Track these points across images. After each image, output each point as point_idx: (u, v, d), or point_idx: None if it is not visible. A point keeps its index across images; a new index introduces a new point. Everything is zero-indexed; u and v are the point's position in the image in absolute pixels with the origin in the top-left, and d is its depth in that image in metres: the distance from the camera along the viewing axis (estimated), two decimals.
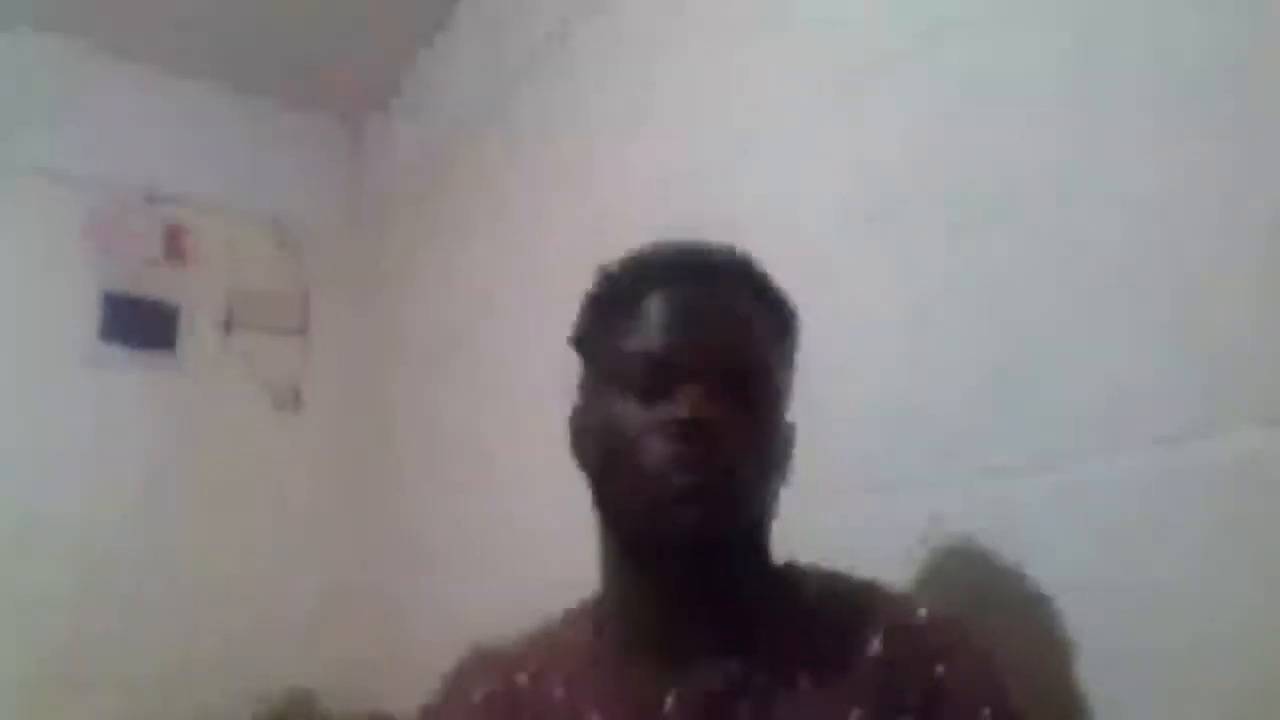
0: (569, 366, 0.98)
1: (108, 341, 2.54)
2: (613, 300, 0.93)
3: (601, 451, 0.88)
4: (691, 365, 0.86)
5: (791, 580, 0.93)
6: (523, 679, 0.92)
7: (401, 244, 2.69)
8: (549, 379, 1.02)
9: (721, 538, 0.83)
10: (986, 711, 0.81)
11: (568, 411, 0.97)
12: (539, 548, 1.76)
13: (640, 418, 0.85)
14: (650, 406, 0.85)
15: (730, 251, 0.94)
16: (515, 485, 1.96)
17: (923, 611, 0.89)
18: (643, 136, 1.68)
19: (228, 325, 2.69)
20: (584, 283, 0.97)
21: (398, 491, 2.56)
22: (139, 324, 2.58)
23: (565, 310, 0.98)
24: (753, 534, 0.91)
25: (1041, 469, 1.02)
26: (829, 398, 1.12)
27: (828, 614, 0.89)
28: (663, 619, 0.88)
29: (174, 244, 2.66)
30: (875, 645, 0.85)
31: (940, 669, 0.83)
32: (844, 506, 1.20)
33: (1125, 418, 0.95)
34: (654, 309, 0.89)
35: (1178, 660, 0.88)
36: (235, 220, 2.75)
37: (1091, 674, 0.92)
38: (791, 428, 0.96)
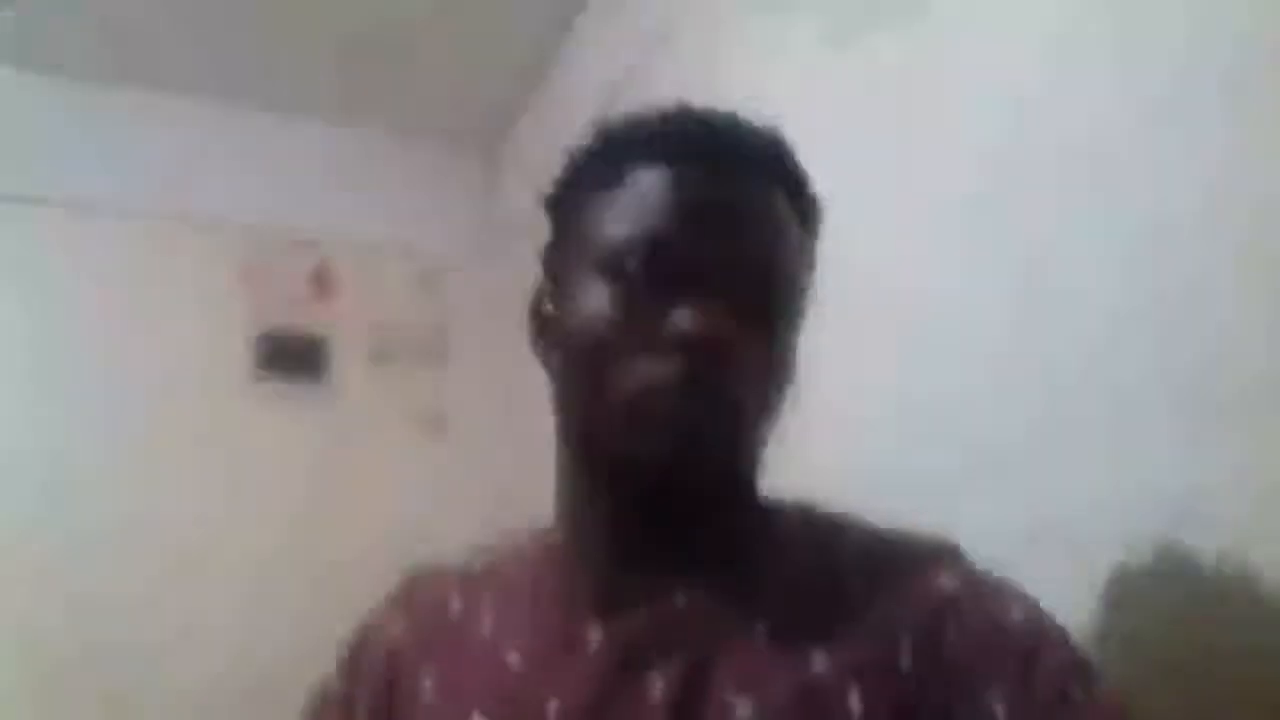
0: None
1: (262, 376, 2.67)
2: (609, 162, 0.76)
3: (576, 356, 0.73)
4: (704, 266, 0.70)
5: (770, 517, 0.78)
6: (456, 606, 0.81)
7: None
8: None
9: (713, 474, 0.71)
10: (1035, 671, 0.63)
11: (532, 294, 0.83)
12: None
13: (631, 322, 0.70)
14: (643, 309, 0.70)
15: (763, 133, 0.77)
16: None
17: (919, 543, 0.74)
18: None
19: (373, 356, 2.78)
20: None
21: (542, 515, 2.57)
22: (290, 358, 2.71)
23: None
24: (745, 465, 0.76)
25: None
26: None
27: (801, 551, 0.74)
28: (612, 554, 0.75)
29: (320, 281, 2.78)
30: (846, 578, 0.71)
31: (941, 617, 0.67)
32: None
33: None
34: (663, 186, 0.72)
35: None
36: (376, 255, 2.85)
37: None
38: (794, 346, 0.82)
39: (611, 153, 0.76)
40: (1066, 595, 0.79)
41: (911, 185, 1.27)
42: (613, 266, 0.71)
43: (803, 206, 0.78)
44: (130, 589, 2.39)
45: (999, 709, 0.61)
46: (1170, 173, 0.90)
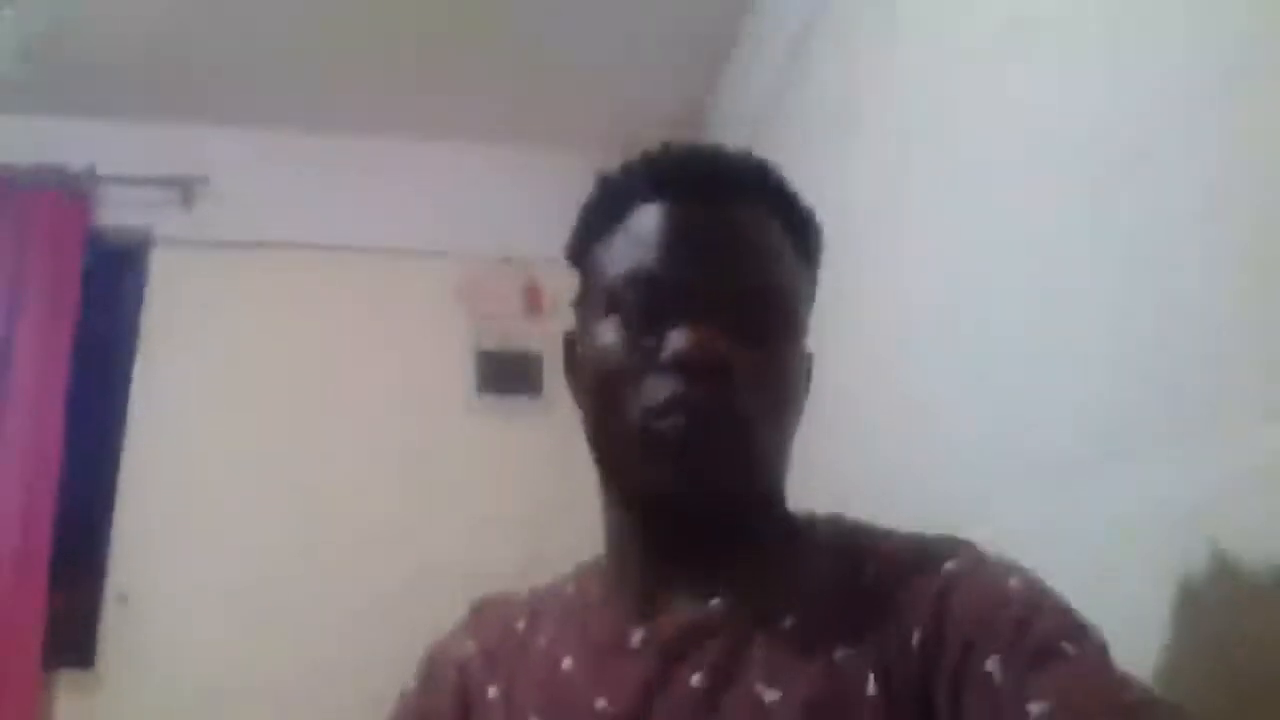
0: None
1: (483, 392, 2.83)
2: (608, 210, 0.81)
3: (592, 388, 0.78)
4: (696, 291, 0.74)
5: (800, 529, 0.83)
6: (520, 625, 0.87)
7: None
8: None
9: (730, 496, 0.75)
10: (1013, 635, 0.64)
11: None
12: None
13: (633, 351, 0.75)
14: (643, 338, 0.75)
15: (746, 158, 0.81)
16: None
17: (936, 540, 0.77)
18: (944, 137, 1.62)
19: None
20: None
21: None
22: (508, 374, 2.85)
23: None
24: (767, 475, 0.80)
25: None
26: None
27: (827, 557, 0.78)
28: (649, 565, 0.80)
29: (532, 299, 2.91)
30: (868, 578, 0.75)
31: (946, 594, 0.70)
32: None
33: None
34: (652, 222, 0.77)
35: None
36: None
37: None
38: (809, 358, 0.84)
39: (612, 197, 0.81)
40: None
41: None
42: (615, 302, 0.77)
43: (797, 229, 0.82)
44: (376, 597, 2.59)
45: (994, 670, 0.63)
46: None
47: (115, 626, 2.64)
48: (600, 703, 0.75)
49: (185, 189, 2.88)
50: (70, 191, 2.81)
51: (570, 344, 0.86)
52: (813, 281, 0.85)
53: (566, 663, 0.80)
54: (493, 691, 0.83)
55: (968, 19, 1.43)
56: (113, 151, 2.85)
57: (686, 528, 0.77)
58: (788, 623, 0.74)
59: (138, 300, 2.89)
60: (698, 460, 0.72)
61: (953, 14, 1.49)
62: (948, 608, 0.69)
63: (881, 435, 1.64)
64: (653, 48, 2.61)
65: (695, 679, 0.73)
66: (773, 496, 0.82)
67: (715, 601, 0.77)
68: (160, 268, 2.90)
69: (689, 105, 2.79)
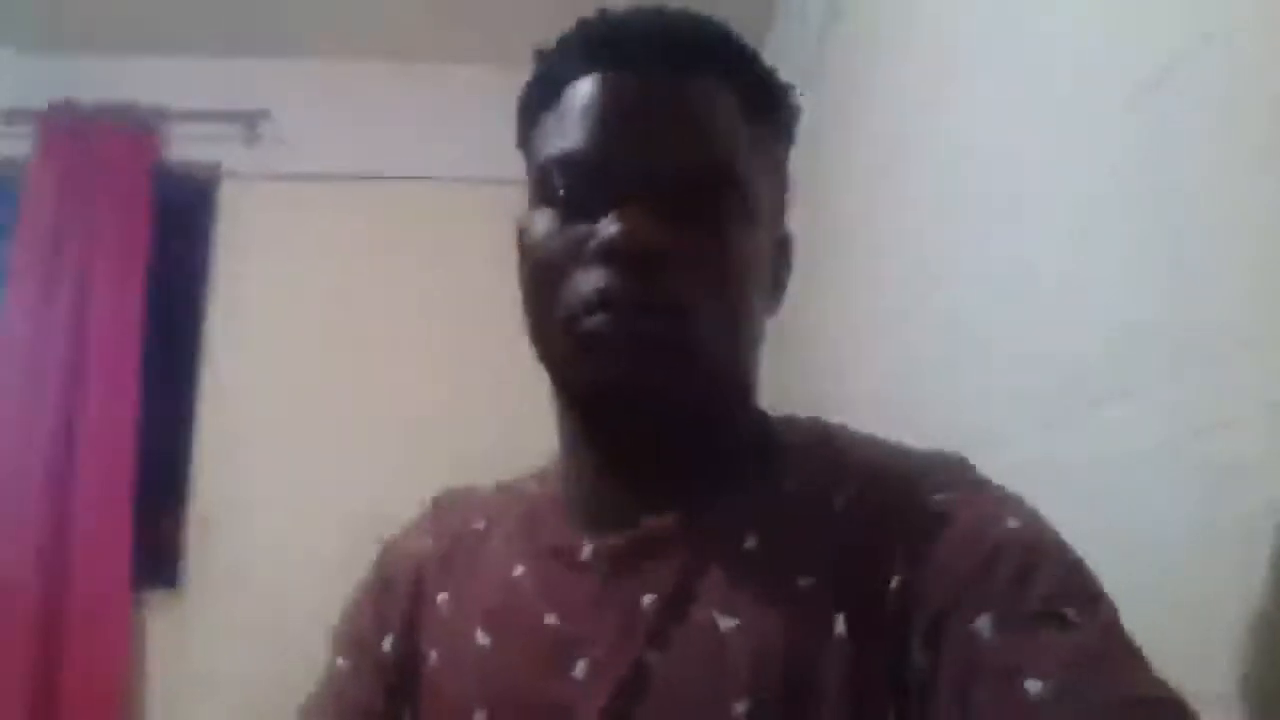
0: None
1: None
2: (545, 88, 0.72)
3: (523, 283, 0.71)
4: (629, 172, 0.66)
5: (772, 435, 0.75)
6: (479, 524, 0.82)
7: None
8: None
9: (672, 394, 0.66)
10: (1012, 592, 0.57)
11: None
12: None
13: (562, 243, 0.67)
14: (574, 227, 0.67)
15: (696, 22, 0.71)
16: None
17: (926, 459, 0.69)
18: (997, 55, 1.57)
19: None
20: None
21: None
22: None
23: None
24: (720, 376, 0.70)
25: None
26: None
27: (800, 469, 0.71)
28: (600, 471, 0.74)
29: None
30: (845, 498, 0.67)
31: (932, 533, 0.62)
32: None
33: None
34: (582, 99, 0.69)
35: None
36: None
37: None
38: (784, 242, 0.76)
39: (548, 73, 0.73)
40: None
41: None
42: (546, 189, 0.70)
43: (757, 101, 0.72)
44: None
45: (983, 629, 0.56)
46: None
47: (198, 548, 2.75)
48: (549, 617, 0.71)
49: (249, 123, 2.93)
50: (138, 127, 2.87)
51: (518, 227, 0.77)
52: (781, 159, 0.76)
53: (518, 570, 0.75)
54: (442, 597, 0.78)
55: None
56: (178, 88, 2.91)
57: (633, 431, 0.70)
58: (749, 543, 0.68)
59: (207, 233, 2.95)
60: (629, 358, 0.64)
61: None
62: (933, 549, 0.61)
63: (919, 353, 1.62)
64: None
65: (646, 600, 0.67)
66: (732, 395, 0.74)
67: (670, 514, 0.70)
68: (228, 201, 2.96)
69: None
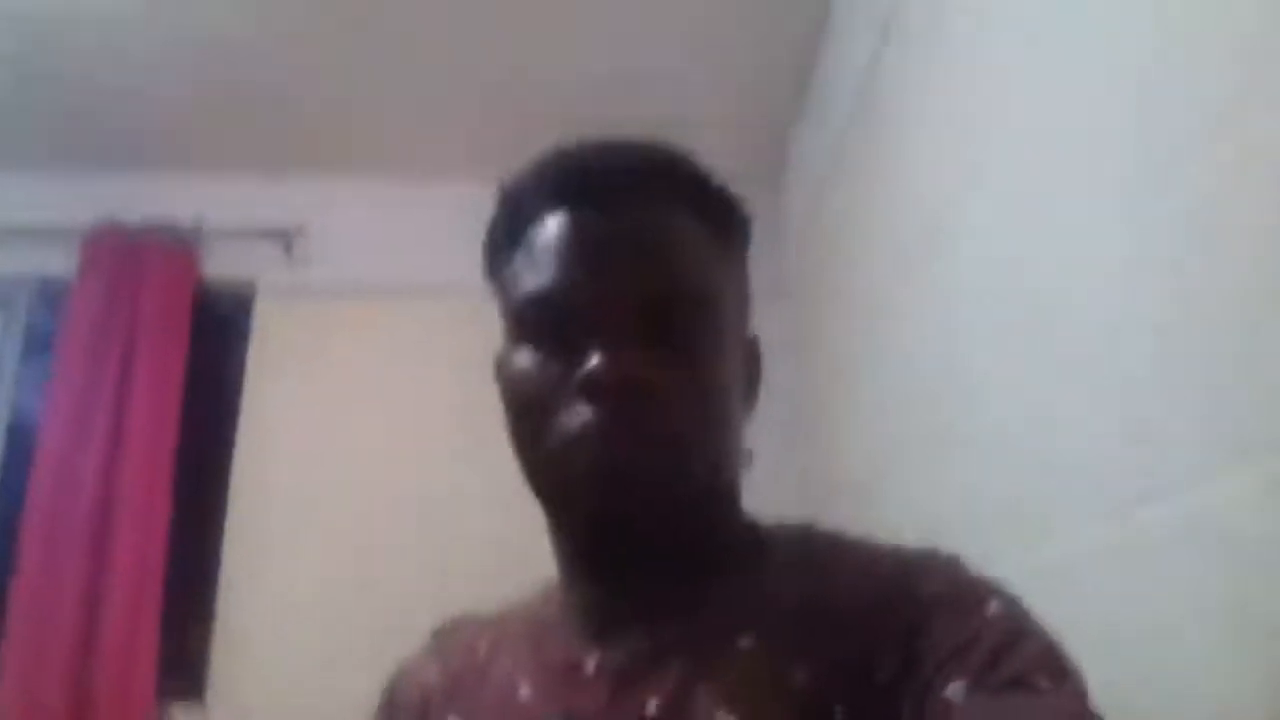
0: None
1: None
2: (509, 226, 0.76)
3: (510, 419, 0.73)
4: (600, 308, 0.69)
5: (763, 540, 0.78)
6: (483, 647, 0.83)
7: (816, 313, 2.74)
8: None
9: (667, 520, 0.69)
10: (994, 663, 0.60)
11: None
12: None
13: (544, 380, 0.69)
14: (556, 365, 0.69)
15: (647, 151, 0.74)
16: None
17: (915, 556, 0.72)
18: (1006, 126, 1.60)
19: None
20: None
21: None
22: None
23: None
24: (709, 493, 0.74)
25: None
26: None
27: (792, 571, 0.74)
28: (599, 589, 0.76)
29: None
30: (836, 595, 0.69)
31: (922, 625, 0.64)
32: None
33: None
34: (547, 238, 0.72)
35: None
36: None
37: None
38: (752, 346, 0.80)
39: (511, 211, 0.76)
40: None
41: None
42: (524, 327, 0.72)
43: (713, 219, 0.75)
44: None
45: (955, 696, 0.59)
46: None
47: (224, 661, 2.73)
48: None
49: (286, 239, 3.01)
50: (178, 245, 2.96)
51: (497, 363, 0.79)
52: (741, 271, 0.79)
53: (524, 690, 0.76)
54: (452, 719, 0.80)
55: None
56: (217, 205, 3.00)
57: (630, 555, 0.73)
58: (745, 642, 0.70)
59: (242, 348, 3.01)
60: (622, 490, 0.67)
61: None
62: (923, 639, 0.64)
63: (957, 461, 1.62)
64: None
65: (651, 706, 0.69)
66: (722, 509, 0.77)
67: (671, 623, 0.73)
68: (264, 315, 3.03)
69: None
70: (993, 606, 0.65)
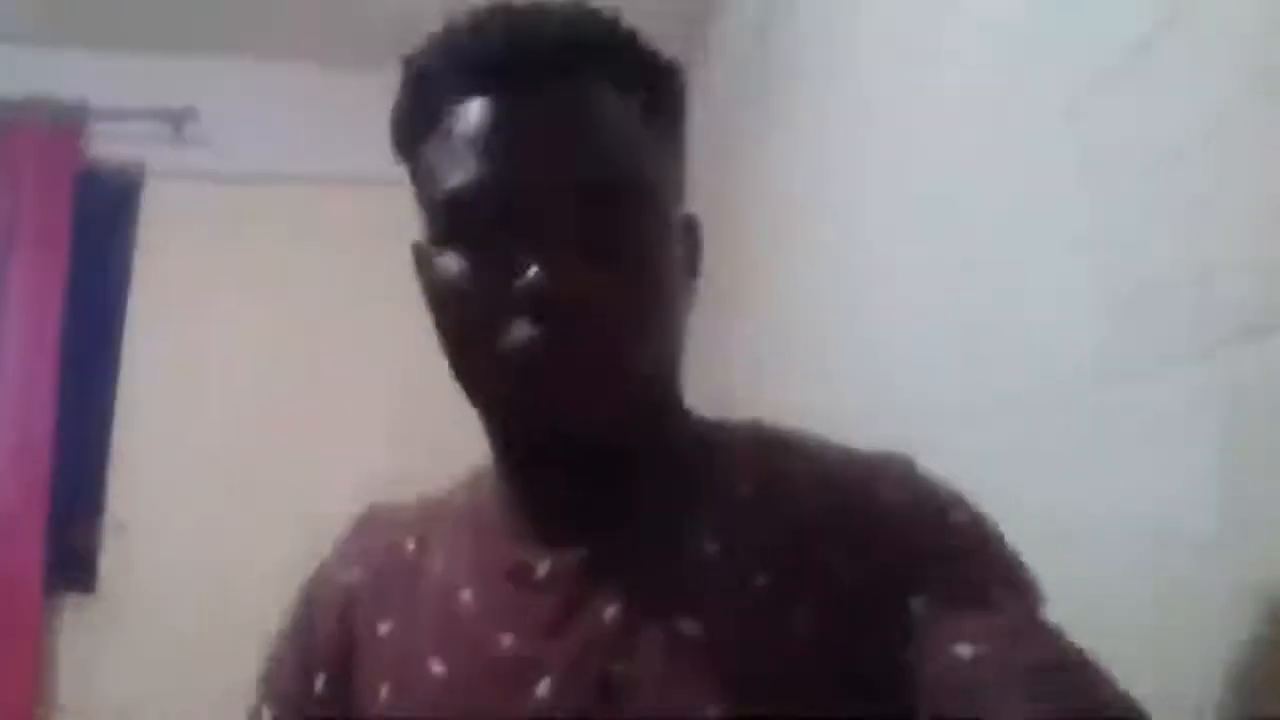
0: None
1: None
2: (421, 105, 0.69)
3: (444, 327, 0.69)
4: (528, 208, 0.63)
5: (715, 440, 0.75)
6: (410, 545, 0.78)
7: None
8: None
9: (614, 431, 0.67)
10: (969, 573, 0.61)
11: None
12: None
13: (478, 286, 0.64)
14: (488, 274, 0.64)
15: (567, 16, 0.67)
16: None
17: (871, 460, 0.71)
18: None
19: None
20: None
21: None
22: None
23: None
24: (656, 397, 0.72)
25: None
26: None
27: (747, 472, 0.71)
28: (542, 495, 0.73)
29: None
30: (795, 499, 0.68)
31: (879, 527, 0.65)
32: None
33: None
34: (465, 128, 0.66)
35: None
36: None
37: None
38: (691, 228, 0.75)
39: (423, 89, 0.69)
40: None
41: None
42: (448, 228, 0.67)
43: (643, 87, 0.69)
44: None
45: (918, 608, 0.60)
46: None
47: (114, 553, 2.70)
48: (506, 640, 0.68)
49: (176, 122, 2.88)
50: (62, 124, 2.82)
51: (418, 254, 0.74)
52: (679, 144, 0.74)
53: (465, 595, 0.72)
54: (384, 628, 0.74)
55: None
56: (104, 85, 2.85)
57: (577, 463, 0.70)
58: (707, 548, 0.67)
59: (129, 233, 2.90)
60: (568, 408, 0.64)
61: None
62: (884, 548, 0.64)
63: (843, 364, 1.65)
64: None
65: (609, 612, 0.66)
66: (669, 409, 0.75)
67: (624, 526, 0.70)
68: (153, 199, 2.91)
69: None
70: (952, 516, 0.65)
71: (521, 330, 0.63)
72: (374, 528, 0.83)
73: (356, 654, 0.75)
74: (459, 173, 0.65)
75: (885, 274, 1.53)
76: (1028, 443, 1.10)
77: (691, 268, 0.75)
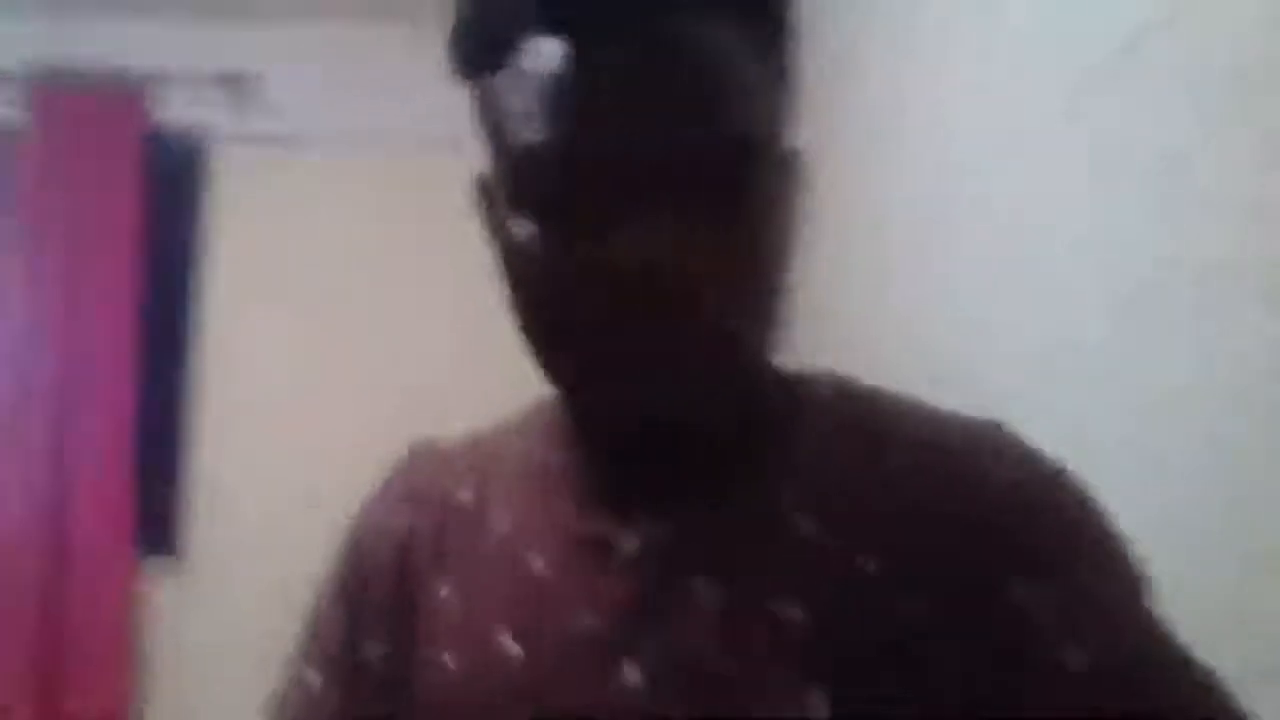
0: None
1: None
2: (484, 35, 0.59)
3: (514, 299, 0.60)
4: (622, 175, 0.54)
5: (802, 400, 0.66)
6: (466, 495, 0.69)
7: None
8: None
9: (701, 413, 0.59)
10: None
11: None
12: None
13: (555, 257, 0.56)
14: (572, 238, 0.55)
15: None
16: None
17: (964, 424, 0.63)
18: None
19: None
20: None
21: None
22: None
23: None
24: (750, 372, 0.64)
25: None
26: None
27: (839, 438, 0.63)
28: (622, 462, 0.64)
29: None
30: (897, 471, 0.61)
31: (996, 512, 0.58)
32: None
33: None
34: (541, 73, 0.55)
35: None
36: None
37: None
38: (794, 161, 0.63)
39: (499, 12, 0.58)
40: None
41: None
42: (521, 187, 0.57)
43: (762, 16, 0.59)
44: None
45: (1026, 600, 0.55)
46: None
47: (201, 517, 2.75)
48: (588, 618, 0.61)
49: (238, 87, 2.89)
50: (127, 91, 2.84)
51: (484, 191, 0.64)
52: (789, 71, 0.62)
53: (538, 564, 0.64)
54: (445, 591, 0.67)
55: None
56: (168, 52, 2.87)
57: (662, 442, 0.62)
58: (806, 525, 0.60)
59: (198, 197, 2.93)
60: (656, 394, 0.57)
61: None
62: (995, 527, 0.58)
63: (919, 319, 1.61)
64: None
65: (704, 596, 0.60)
66: (762, 378, 0.66)
67: (713, 500, 0.62)
68: (219, 163, 2.94)
69: None
70: (1063, 499, 0.59)
71: (602, 309, 0.55)
72: (422, 472, 0.74)
73: (416, 618, 0.68)
74: (535, 126, 0.55)
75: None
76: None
77: (794, 215, 0.64)
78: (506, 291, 0.60)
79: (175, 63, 2.86)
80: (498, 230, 0.61)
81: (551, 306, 0.57)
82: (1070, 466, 0.62)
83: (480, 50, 0.59)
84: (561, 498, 0.66)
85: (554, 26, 0.55)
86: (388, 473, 0.75)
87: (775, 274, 0.60)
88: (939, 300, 1.53)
